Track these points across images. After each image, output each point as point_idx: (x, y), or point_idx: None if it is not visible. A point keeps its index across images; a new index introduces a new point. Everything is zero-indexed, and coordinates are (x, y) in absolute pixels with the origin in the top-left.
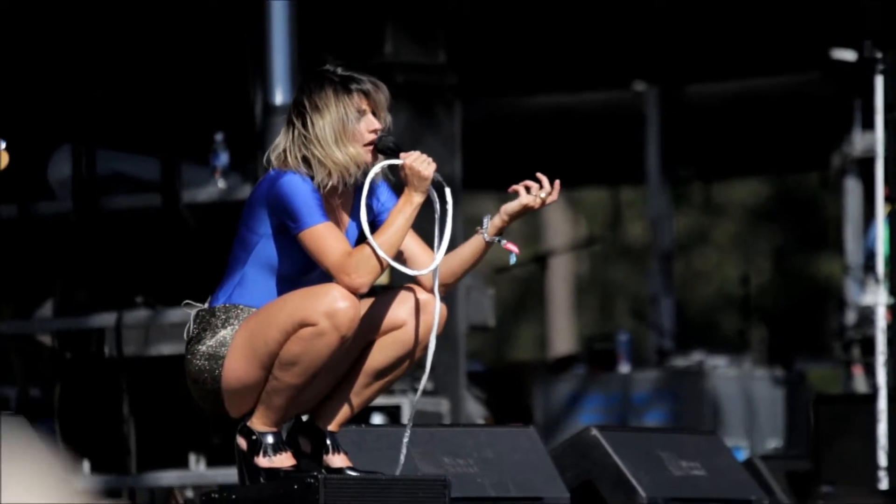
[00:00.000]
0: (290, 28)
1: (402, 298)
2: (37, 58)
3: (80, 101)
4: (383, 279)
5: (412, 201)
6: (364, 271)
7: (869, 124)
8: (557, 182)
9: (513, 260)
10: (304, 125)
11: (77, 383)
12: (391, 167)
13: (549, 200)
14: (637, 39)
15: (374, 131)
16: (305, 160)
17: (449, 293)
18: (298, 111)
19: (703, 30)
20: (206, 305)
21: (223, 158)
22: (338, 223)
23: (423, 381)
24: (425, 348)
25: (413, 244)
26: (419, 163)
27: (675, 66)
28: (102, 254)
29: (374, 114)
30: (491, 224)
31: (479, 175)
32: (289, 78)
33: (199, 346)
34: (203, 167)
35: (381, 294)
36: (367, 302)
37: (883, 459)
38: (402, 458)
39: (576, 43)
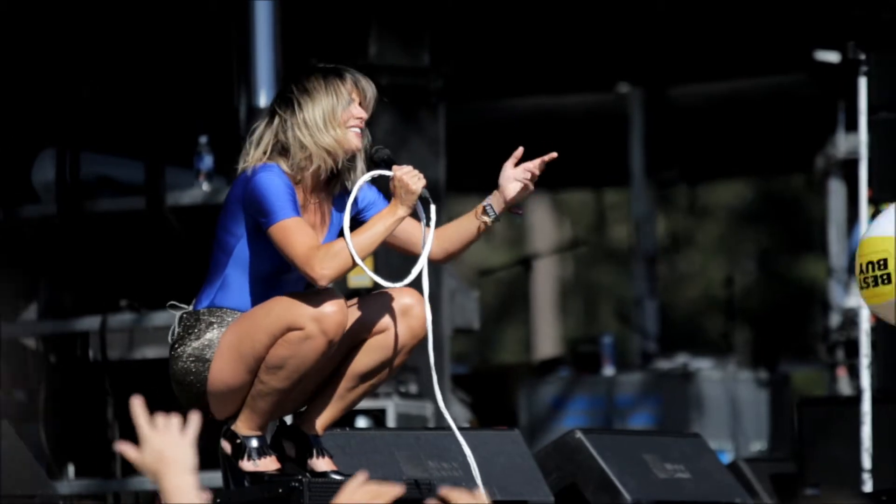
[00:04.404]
0: (275, 31)
1: (388, 302)
2: (20, 60)
3: (65, 105)
4: (367, 283)
5: (396, 213)
6: (329, 263)
7: (853, 126)
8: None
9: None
10: (293, 111)
11: (62, 387)
12: (381, 179)
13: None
14: (621, 41)
15: (360, 119)
16: (284, 150)
17: (433, 296)
18: (285, 99)
19: (687, 31)
20: (191, 308)
21: (207, 161)
22: (313, 223)
23: (437, 386)
24: (409, 353)
25: (415, 229)
26: (409, 176)
27: (658, 67)
28: (87, 257)
29: (361, 105)
30: (495, 203)
31: (464, 178)
32: (273, 81)
33: (185, 349)
34: (187, 170)
35: (367, 297)
36: (353, 304)
37: (867, 462)
38: (471, 461)
39: (559, 45)
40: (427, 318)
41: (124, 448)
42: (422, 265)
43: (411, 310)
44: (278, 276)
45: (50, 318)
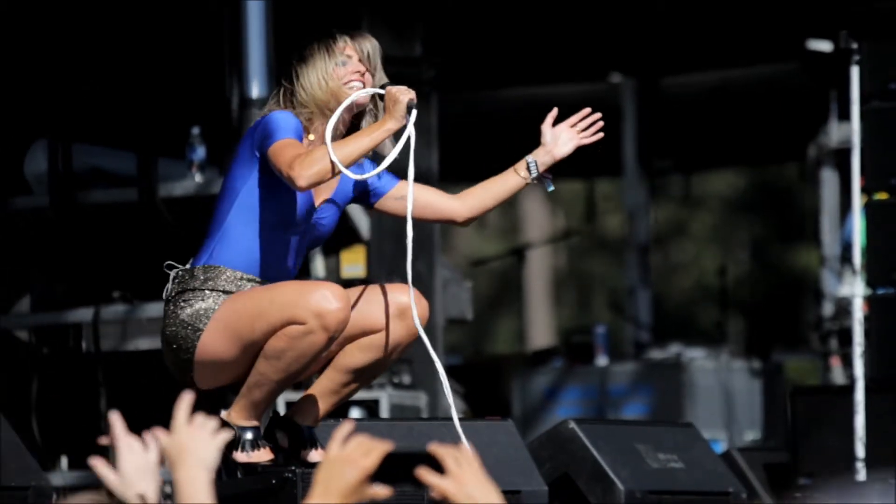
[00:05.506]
0: (267, 20)
1: (385, 300)
2: (12, 52)
3: (57, 96)
4: (360, 273)
5: (384, 125)
6: (307, 167)
7: (845, 115)
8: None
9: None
10: (291, 80)
11: (54, 378)
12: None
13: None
14: (613, 31)
15: (358, 72)
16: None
17: (426, 287)
18: (287, 72)
19: (680, 21)
20: (188, 266)
21: (200, 152)
22: (317, 195)
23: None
24: (405, 350)
25: (430, 193)
26: (399, 91)
27: (651, 57)
28: (79, 249)
29: (360, 62)
30: (541, 163)
31: (456, 168)
32: (265, 71)
33: (179, 312)
34: (179, 161)
35: (364, 292)
36: (351, 299)
37: (860, 451)
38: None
39: (552, 35)
40: (423, 307)
41: (157, 433)
42: (385, 165)
43: (408, 310)
44: (279, 230)
45: (42, 309)
